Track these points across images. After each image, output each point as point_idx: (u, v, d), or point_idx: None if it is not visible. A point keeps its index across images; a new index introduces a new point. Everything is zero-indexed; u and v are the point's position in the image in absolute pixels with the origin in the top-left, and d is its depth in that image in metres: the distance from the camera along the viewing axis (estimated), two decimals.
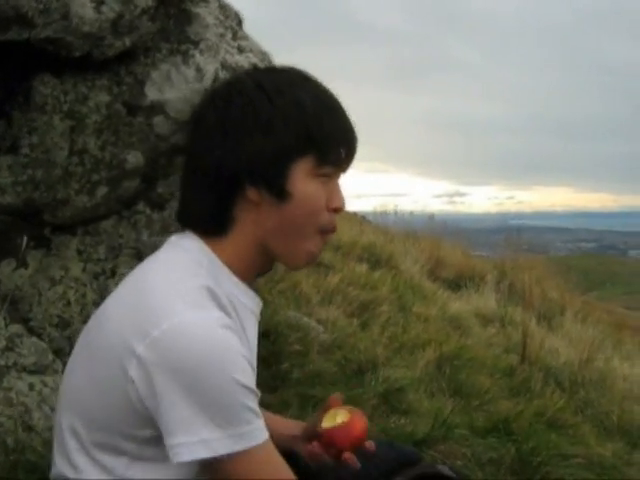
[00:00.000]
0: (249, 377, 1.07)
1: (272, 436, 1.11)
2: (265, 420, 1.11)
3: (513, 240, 8.36)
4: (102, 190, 2.28)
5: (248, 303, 1.21)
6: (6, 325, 2.19)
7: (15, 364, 2.17)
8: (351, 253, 5.75)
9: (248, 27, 2.67)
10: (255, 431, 1.06)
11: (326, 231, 1.22)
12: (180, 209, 1.26)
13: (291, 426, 1.46)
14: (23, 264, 2.24)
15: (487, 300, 6.02)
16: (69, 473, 1.13)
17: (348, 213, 11.06)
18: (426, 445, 2.82)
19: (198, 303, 1.06)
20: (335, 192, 1.21)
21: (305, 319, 3.76)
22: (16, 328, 2.21)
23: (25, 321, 2.25)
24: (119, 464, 1.10)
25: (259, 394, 1.10)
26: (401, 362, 3.73)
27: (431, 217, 8.83)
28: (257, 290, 1.28)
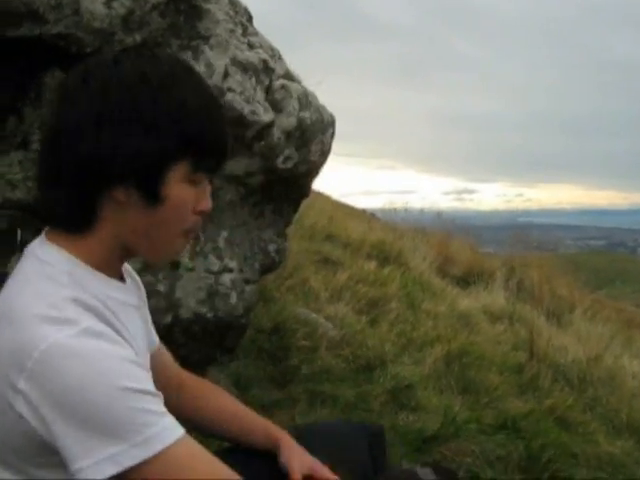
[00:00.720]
0: (138, 379, 1.02)
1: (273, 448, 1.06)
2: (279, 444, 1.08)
3: (522, 237, 8.34)
4: None
5: (125, 298, 1.16)
6: None
7: None
8: (360, 250, 5.75)
9: (257, 23, 2.67)
10: (162, 432, 1.00)
11: (190, 232, 1.17)
12: (41, 204, 1.16)
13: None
14: None
15: (496, 297, 6.01)
16: None
17: (357, 210, 11.03)
18: (435, 442, 2.82)
19: (63, 319, 1.00)
20: (203, 195, 1.15)
21: (314, 315, 3.76)
22: None
23: None
24: None
25: (159, 394, 1.04)
26: (410, 359, 3.74)
27: (439, 214, 8.83)
28: (132, 276, 1.26)
